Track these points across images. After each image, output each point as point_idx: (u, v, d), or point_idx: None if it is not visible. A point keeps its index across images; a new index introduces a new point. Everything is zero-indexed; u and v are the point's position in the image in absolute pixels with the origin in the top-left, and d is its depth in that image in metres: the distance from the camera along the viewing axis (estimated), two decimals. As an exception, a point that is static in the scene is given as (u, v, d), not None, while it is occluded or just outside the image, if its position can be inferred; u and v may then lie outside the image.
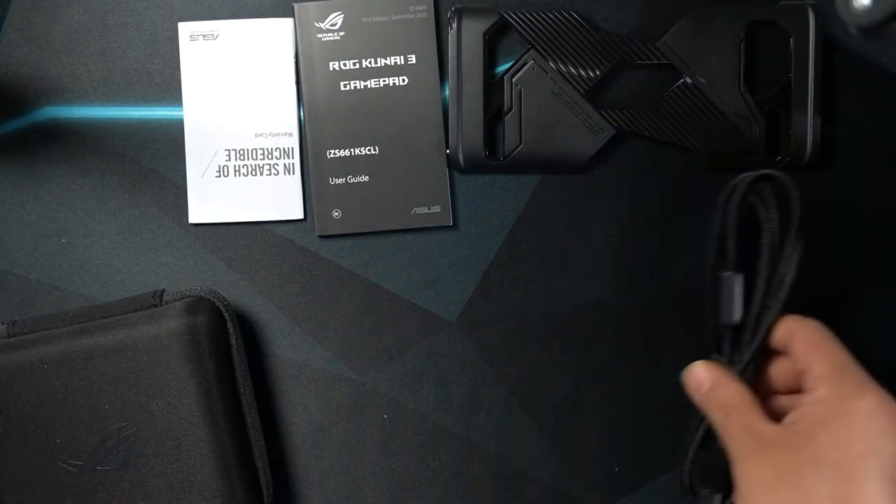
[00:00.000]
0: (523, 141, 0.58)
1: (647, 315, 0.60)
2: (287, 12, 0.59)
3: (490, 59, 0.59)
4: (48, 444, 0.54)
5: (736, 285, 0.54)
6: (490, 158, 0.59)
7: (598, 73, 0.58)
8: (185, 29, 0.59)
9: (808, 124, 0.58)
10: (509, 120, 0.59)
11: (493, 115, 0.59)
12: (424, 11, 0.59)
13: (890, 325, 0.59)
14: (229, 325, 0.56)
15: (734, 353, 0.53)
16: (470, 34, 0.58)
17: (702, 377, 0.51)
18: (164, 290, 0.56)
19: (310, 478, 0.60)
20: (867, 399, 0.45)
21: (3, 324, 0.56)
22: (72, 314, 0.56)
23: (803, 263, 0.51)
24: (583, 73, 0.58)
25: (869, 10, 0.39)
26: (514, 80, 0.58)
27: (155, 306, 0.55)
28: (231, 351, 0.56)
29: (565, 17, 0.58)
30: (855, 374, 0.47)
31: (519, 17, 0.58)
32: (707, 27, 0.58)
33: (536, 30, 0.58)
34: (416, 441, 0.60)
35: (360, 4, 0.59)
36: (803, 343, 0.50)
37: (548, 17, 0.58)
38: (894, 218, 0.59)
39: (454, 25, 0.58)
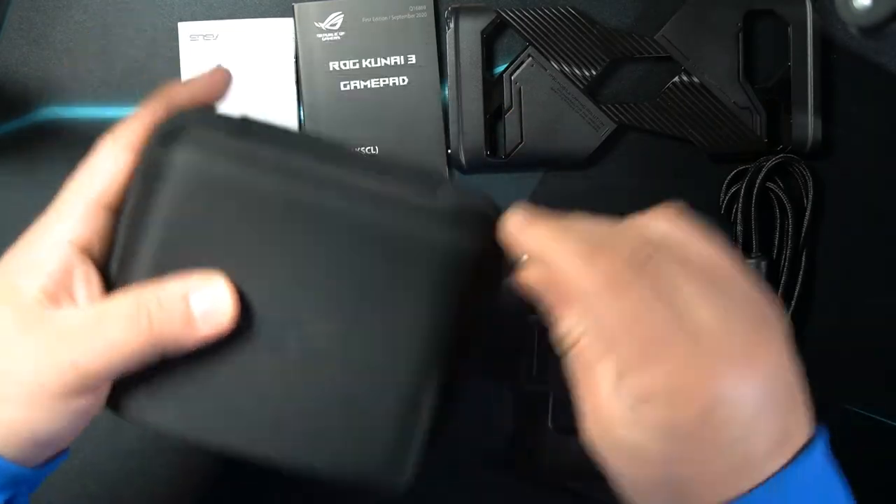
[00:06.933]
0: (524, 138, 0.58)
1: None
2: (287, 12, 0.59)
3: (489, 58, 0.59)
4: None
5: (762, 271, 0.54)
6: (492, 157, 0.59)
7: (597, 68, 0.58)
8: (185, 29, 0.59)
9: (809, 113, 0.58)
10: (510, 118, 0.59)
11: (494, 113, 0.59)
12: (424, 11, 0.59)
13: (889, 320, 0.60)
14: None
15: None
16: (467, 33, 0.58)
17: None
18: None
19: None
20: None
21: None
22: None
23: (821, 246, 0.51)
24: (582, 68, 0.58)
25: (869, 10, 0.39)
26: (513, 77, 0.58)
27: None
28: None
29: (562, 14, 0.58)
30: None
31: (516, 15, 0.58)
32: (705, 18, 0.58)
33: (534, 27, 0.58)
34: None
35: (360, 4, 0.59)
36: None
37: (545, 13, 0.58)
38: (891, 207, 0.60)
39: (451, 25, 0.58)
